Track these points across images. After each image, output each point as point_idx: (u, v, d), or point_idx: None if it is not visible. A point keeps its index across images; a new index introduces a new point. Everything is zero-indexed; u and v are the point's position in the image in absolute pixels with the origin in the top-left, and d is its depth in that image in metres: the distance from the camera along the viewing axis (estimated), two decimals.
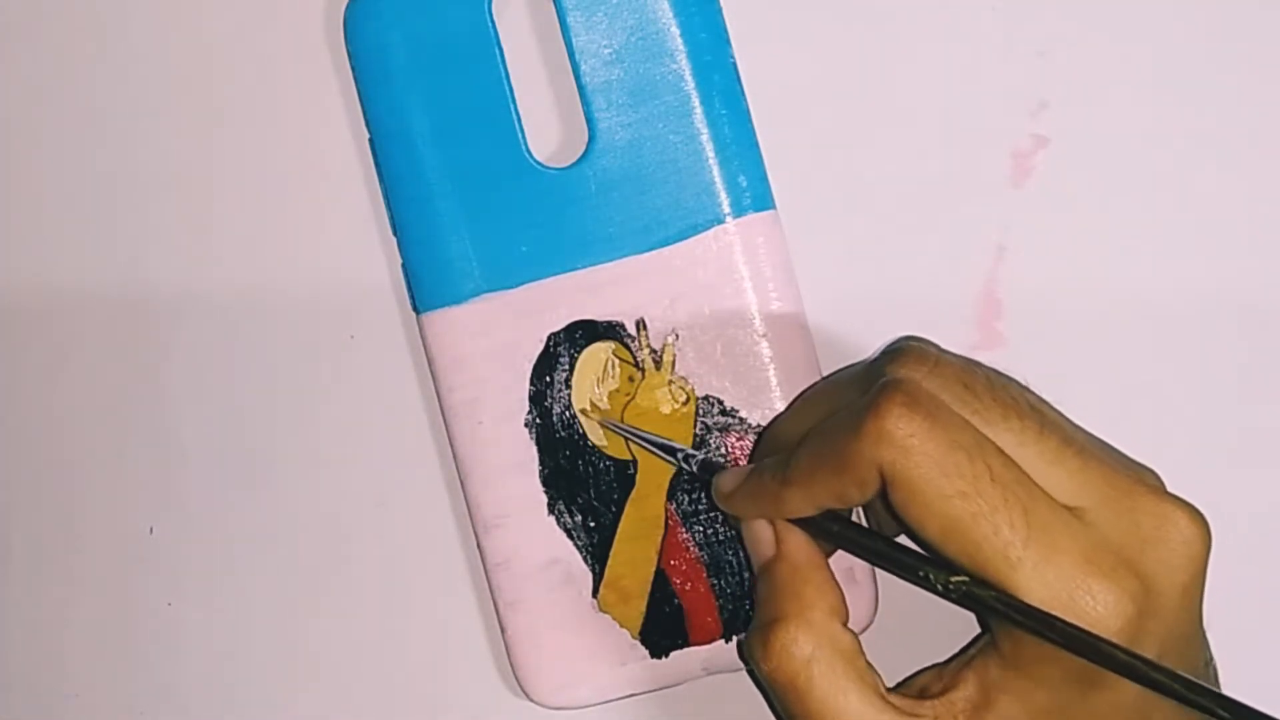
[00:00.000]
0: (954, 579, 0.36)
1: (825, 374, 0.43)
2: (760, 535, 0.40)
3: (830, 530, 0.39)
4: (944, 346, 0.39)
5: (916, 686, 0.39)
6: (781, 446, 0.40)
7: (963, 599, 0.36)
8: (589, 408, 0.43)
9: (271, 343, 0.46)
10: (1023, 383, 0.39)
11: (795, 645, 0.37)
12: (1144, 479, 0.37)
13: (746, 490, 0.40)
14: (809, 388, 0.43)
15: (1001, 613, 0.35)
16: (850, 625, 0.39)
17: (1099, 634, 0.35)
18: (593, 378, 0.44)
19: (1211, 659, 0.39)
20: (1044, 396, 0.39)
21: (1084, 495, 0.36)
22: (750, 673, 0.43)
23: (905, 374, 0.37)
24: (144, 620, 0.46)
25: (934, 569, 0.36)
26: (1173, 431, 0.44)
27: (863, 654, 0.38)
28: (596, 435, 0.44)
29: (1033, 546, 0.35)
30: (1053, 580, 0.35)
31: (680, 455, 0.42)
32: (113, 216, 0.46)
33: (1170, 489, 0.37)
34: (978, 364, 0.38)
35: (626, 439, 0.43)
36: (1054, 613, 0.35)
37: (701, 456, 0.42)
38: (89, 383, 0.46)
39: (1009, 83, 0.44)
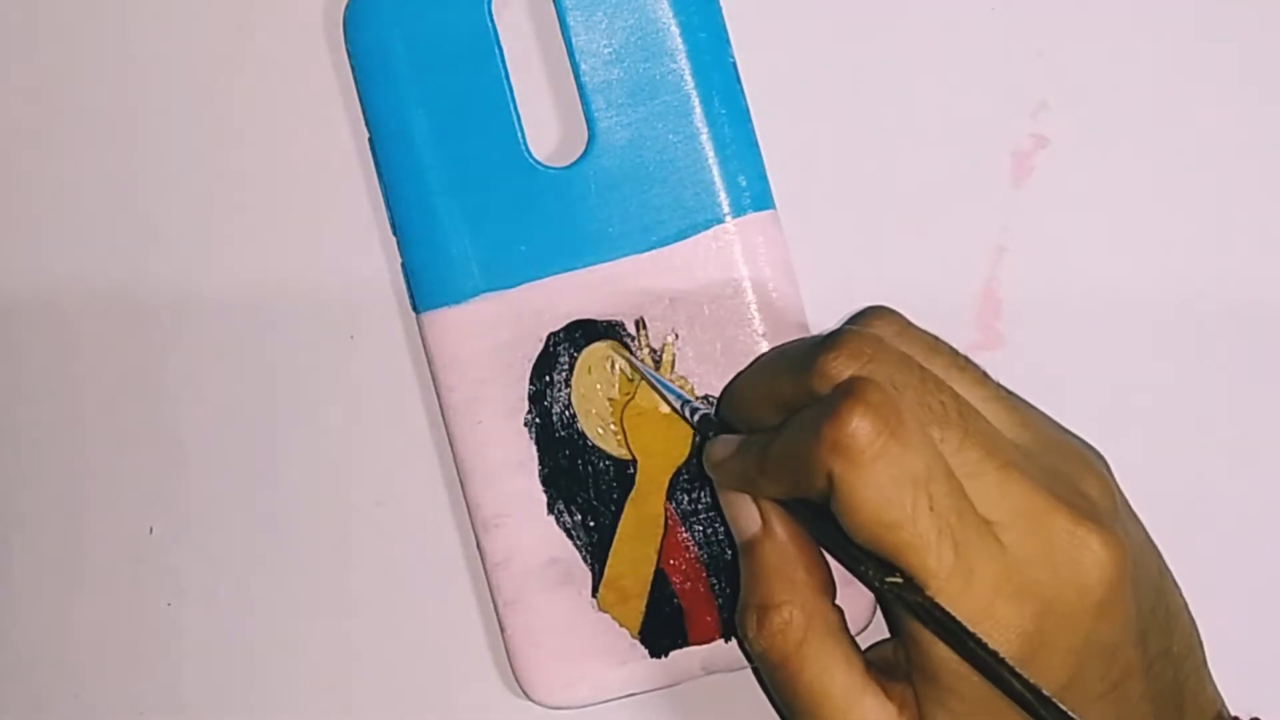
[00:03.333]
0: (888, 580, 0.36)
1: None
2: (745, 512, 0.40)
3: (794, 510, 0.39)
4: (890, 331, 0.39)
5: (881, 657, 0.39)
6: (740, 406, 0.41)
7: (892, 599, 0.36)
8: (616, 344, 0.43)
9: (271, 343, 0.46)
10: (983, 373, 0.39)
11: (790, 629, 0.38)
12: (1060, 496, 0.37)
13: (731, 466, 0.40)
14: (775, 347, 0.43)
15: (924, 620, 0.36)
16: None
17: (1001, 655, 0.35)
18: (592, 377, 0.44)
19: (1172, 646, 0.39)
20: (1011, 389, 0.39)
21: (1000, 511, 0.36)
22: (740, 645, 0.43)
23: (860, 368, 0.37)
24: (144, 620, 0.46)
25: (874, 565, 0.36)
26: (1172, 431, 0.44)
27: (847, 631, 0.39)
28: (596, 435, 0.44)
29: (954, 578, 0.36)
30: (964, 608, 0.36)
31: (686, 407, 0.42)
32: (113, 216, 0.46)
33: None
34: (909, 361, 0.38)
35: (645, 380, 0.43)
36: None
37: (703, 411, 0.42)
38: (89, 383, 0.46)
39: (1009, 83, 0.44)
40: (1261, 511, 0.44)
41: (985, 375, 0.39)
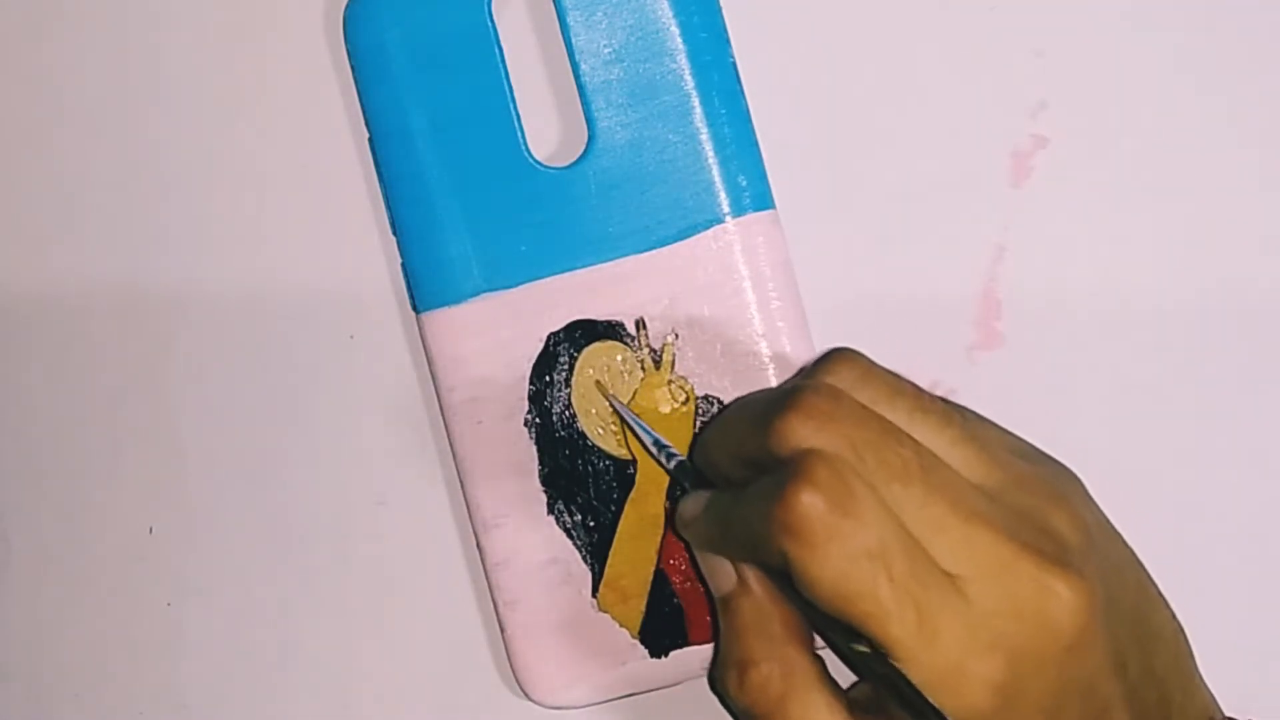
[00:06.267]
0: (854, 646, 0.36)
1: None
2: (720, 569, 0.40)
3: (764, 570, 0.39)
4: (850, 378, 0.39)
5: (865, 694, 0.39)
6: (709, 458, 0.41)
7: (861, 668, 0.36)
8: (600, 382, 0.43)
9: (271, 343, 0.46)
10: (947, 413, 0.38)
11: (770, 685, 0.38)
12: (1027, 543, 0.37)
13: (699, 528, 0.40)
14: (739, 399, 0.43)
15: (888, 690, 0.36)
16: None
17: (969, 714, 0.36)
18: (592, 377, 0.44)
19: (1155, 665, 0.39)
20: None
21: (964, 565, 0.36)
22: (722, 702, 0.43)
23: (816, 429, 0.36)
24: (144, 620, 0.47)
25: (839, 632, 0.36)
26: (1172, 431, 0.44)
27: (829, 677, 0.39)
28: (596, 435, 0.44)
29: (919, 642, 0.35)
30: (931, 670, 0.36)
31: (663, 453, 0.42)
32: (113, 216, 0.46)
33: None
34: (867, 416, 0.37)
35: (623, 423, 0.43)
36: (931, 693, 0.36)
37: (679, 460, 0.42)
38: (89, 382, 0.46)
39: (1008, 83, 0.44)
40: (1260, 511, 0.44)
41: (950, 414, 0.38)
